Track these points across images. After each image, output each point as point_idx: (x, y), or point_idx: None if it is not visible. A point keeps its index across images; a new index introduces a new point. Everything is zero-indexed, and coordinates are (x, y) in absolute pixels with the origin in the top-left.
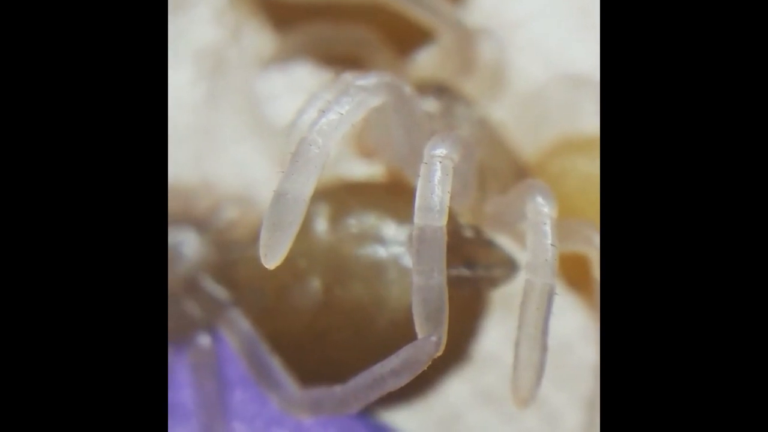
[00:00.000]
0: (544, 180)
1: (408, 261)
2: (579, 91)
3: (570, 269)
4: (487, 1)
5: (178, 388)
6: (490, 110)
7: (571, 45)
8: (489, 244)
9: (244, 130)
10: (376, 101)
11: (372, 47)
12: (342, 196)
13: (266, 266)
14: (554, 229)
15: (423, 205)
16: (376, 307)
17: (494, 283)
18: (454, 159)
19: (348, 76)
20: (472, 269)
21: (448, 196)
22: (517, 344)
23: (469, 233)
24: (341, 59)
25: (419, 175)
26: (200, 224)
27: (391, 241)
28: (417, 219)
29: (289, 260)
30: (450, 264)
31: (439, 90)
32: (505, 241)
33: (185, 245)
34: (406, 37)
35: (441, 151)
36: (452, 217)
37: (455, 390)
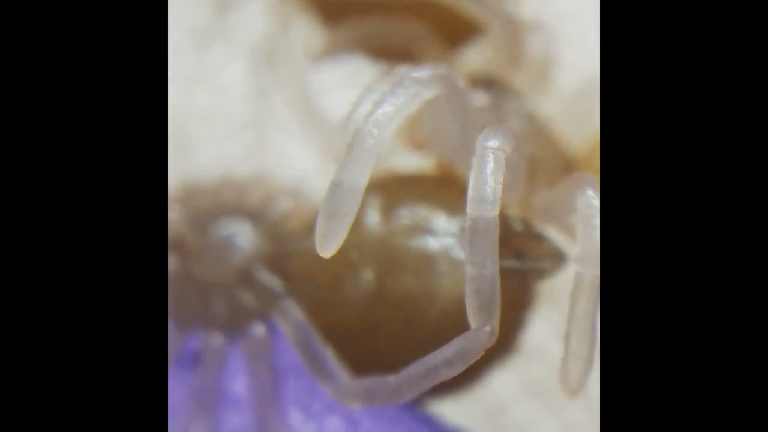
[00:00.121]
0: (592, 173)
1: (459, 253)
2: None
3: None
4: None
5: (233, 377)
6: (538, 104)
7: None
8: (538, 237)
9: (296, 124)
10: (430, 93)
11: (422, 41)
12: (393, 188)
13: (322, 255)
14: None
15: (476, 196)
16: (426, 298)
17: (542, 274)
18: (506, 151)
19: (403, 69)
20: (521, 261)
21: (500, 188)
22: (566, 336)
23: (518, 226)
24: (391, 53)
25: (472, 167)
26: (254, 216)
27: (442, 233)
28: (470, 210)
29: (341, 252)
30: (500, 255)
31: (488, 83)
32: (553, 234)
33: (239, 236)
34: (455, 31)
35: (494, 143)
36: (502, 210)
37: (501, 382)
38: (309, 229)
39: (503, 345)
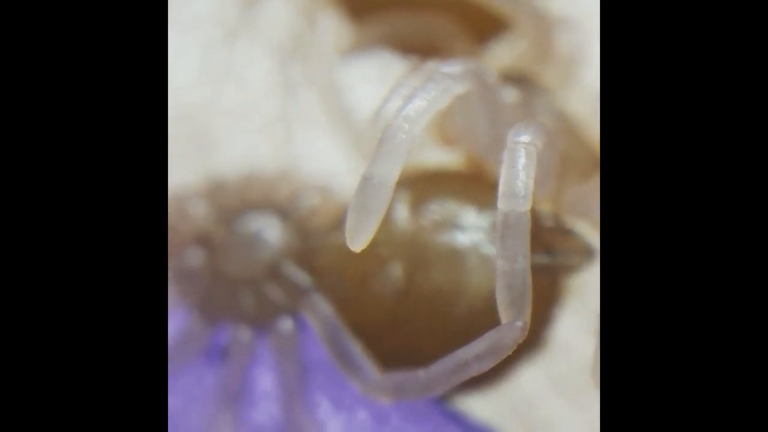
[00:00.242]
0: None
1: (488, 248)
2: None
3: None
4: None
5: (261, 372)
6: (567, 100)
7: None
8: (568, 233)
9: (324, 119)
10: (461, 88)
11: (450, 36)
12: (422, 184)
13: (352, 249)
14: None
15: (507, 191)
16: (455, 294)
17: (572, 270)
18: (538, 146)
19: (433, 64)
20: (551, 256)
21: (532, 182)
22: (596, 332)
23: (548, 221)
24: (419, 49)
25: (503, 162)
26: (282, 211)
27: (471, 228)
28: (501, 204)
29: (370, 247)
30: (530, 251)
31: (518, 80)
32: (583, 230)
33: (267, 231)
34: (484, 27)
35: (525, 138)
36: (533, 205)
37: (529, 378)
38: (337, 224)
39: (532, 341)
